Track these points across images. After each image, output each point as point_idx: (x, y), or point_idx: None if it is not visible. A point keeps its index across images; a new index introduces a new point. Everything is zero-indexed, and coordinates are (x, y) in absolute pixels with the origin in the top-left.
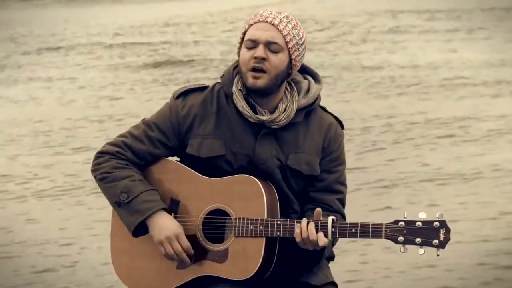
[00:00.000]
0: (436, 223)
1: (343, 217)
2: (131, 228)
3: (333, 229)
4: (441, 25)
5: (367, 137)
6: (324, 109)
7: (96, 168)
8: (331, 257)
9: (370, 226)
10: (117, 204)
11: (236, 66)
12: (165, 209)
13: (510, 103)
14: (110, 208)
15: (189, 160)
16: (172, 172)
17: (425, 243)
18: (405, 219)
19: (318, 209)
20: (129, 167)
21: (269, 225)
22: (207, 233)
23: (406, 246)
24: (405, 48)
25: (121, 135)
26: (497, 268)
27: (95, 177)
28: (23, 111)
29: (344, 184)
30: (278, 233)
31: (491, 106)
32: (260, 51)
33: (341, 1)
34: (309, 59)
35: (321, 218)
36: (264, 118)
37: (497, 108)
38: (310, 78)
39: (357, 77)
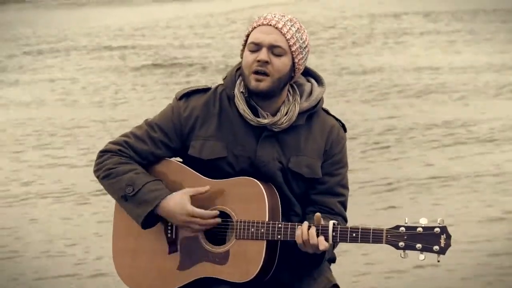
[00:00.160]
0: (437, 229)
1: (345, 220)
2: (139, 220)
3: (333, 233)
4: (443, 27)
5: (370, 138)
6: (327, 111)
7: (99, 168)
8: (333, 259)
9: (371, 231)
10: (123, 198)
11: (238, 68)
12: (170, 195)
13: None
14: (113, 209)
15: (191, 162)
16: (174, 173)
17: (426, 249)
18: (406, 225)
19: (318, 214)
20: (131, 162)
21: (270, 228)
22: (209, 235)
23: (407, 251)
24: (408, 49)
25: (124, 135)
26: (500, 268)
27: (98, 176)
28: (26, 111)
29: (346, 187)
30: (279, 236)
31: (494, 107)
32: (263, 55)
33: (343, 3)
34: (311, 61)
35: (322, 222)
36: (265, 121)
37: (500, 109)
38: (313, 81)
39: (359, 78)
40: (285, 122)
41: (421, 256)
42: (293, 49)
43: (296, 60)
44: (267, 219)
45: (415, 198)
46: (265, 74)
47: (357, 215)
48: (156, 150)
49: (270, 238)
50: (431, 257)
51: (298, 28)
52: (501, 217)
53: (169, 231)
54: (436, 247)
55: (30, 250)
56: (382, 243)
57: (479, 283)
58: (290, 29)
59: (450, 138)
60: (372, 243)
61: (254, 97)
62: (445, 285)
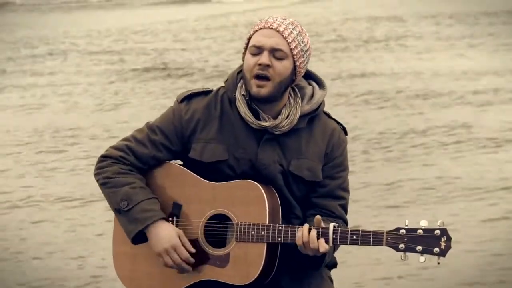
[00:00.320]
0: (437, 231)
1: (346, 223)
2: (130, 236)
3: (334, 236)
4: (445, 29)
5: (370, 139)
6: (328, 115)
7: (98, 172)
8: (334, 264)
9: (371, 233)
10: (117, 211)
11: (240, 71)
12: (164, 219)
13: None
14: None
15: (192, 164)
16: (175, 176)
17: (426, 251)
18: (406, 227)
19: (318, 216)
20: (132, 172)
21: (271, 231)
22: (209, 237)
23: (407, 253)
24: (409, 52)
25: (125, 139)
26: (503, 269)
27: (97, 180)
28: (26, 115)
29: (346, 190)
30: (279, 239)
31: (495, 108)
32: (264, 58)
33: (345, 6)
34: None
35: (322, 225)
36: (266, 124)
37: (501, 111)
38: (314, 84)
39: (359, 81)
40: (286, 125)
41: (422, 258)
42: (294, 52)
43: (298, 64)
44: (267, 222)
45: (418, 198)
46: (266, 78)
47: (360, 215)
48: (157, 153)
49: (270, 241)
50: (431, 260)
51: (299, 31)
52: (505, 218)
53: None
54: (436, 249)
55: (31, 254)
56: (382, 245)
57: (482, 283)
58: (291, 32)
59: (452, 139)
60: (372, 245)
61: (256, 101)
62: (447, 286)
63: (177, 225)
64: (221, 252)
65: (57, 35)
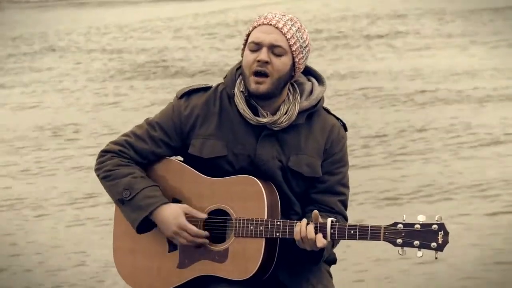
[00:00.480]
0: (435, 226)
1: (346, 219)
2: (134, 225)
3: (332, 231)
4: (446, 27)
5: (371, 136)
6: (327, 111)
7: (99, 167)
8: (333, 261)
9: (369, 228)
10: (120, 202)
11: (239, 67)
12: (167, 203)
13: None
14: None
15: (191, 160)
16: (174, 171)
17: (423, 246)
18: (403, 222)
19: (316, 211)
20: (131, 164)
21: (269, 226)
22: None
23: (405, 248)
24: (410, 50)
25: (125, 134)
26: (505, 264)
27: (98, 175)
28: (26, 112)
29: (346, 186)
30: (277, 234)
31: (496, 107)
32: (263, 54)
33: (345, 2)
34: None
35: (320, 220)
36: (265, 120)
37: (503, 110)
38: (313, 80)
39: (359, 79)
40: (285, 121)
41: (419, 253)
42: (293, 48)
43: (297, 60)
44: (266, 217)
45: (419, 195)
46: (265, 74)
47: (359, 213)
48: (157, 149)
49: (269, 236)
50: (429, 254)
51: (298, 28)
52: (506, 213)
53: None
54: (433, 244)
55: (36, 251)
56: (380, 240)
57: (484, 281)
58: (290, 28)
59: (452, 135)
60: (370, 240)
61: (254, 97)
62: (448, 283)
63: None
64: (220, 247)
65: (57, 32)
